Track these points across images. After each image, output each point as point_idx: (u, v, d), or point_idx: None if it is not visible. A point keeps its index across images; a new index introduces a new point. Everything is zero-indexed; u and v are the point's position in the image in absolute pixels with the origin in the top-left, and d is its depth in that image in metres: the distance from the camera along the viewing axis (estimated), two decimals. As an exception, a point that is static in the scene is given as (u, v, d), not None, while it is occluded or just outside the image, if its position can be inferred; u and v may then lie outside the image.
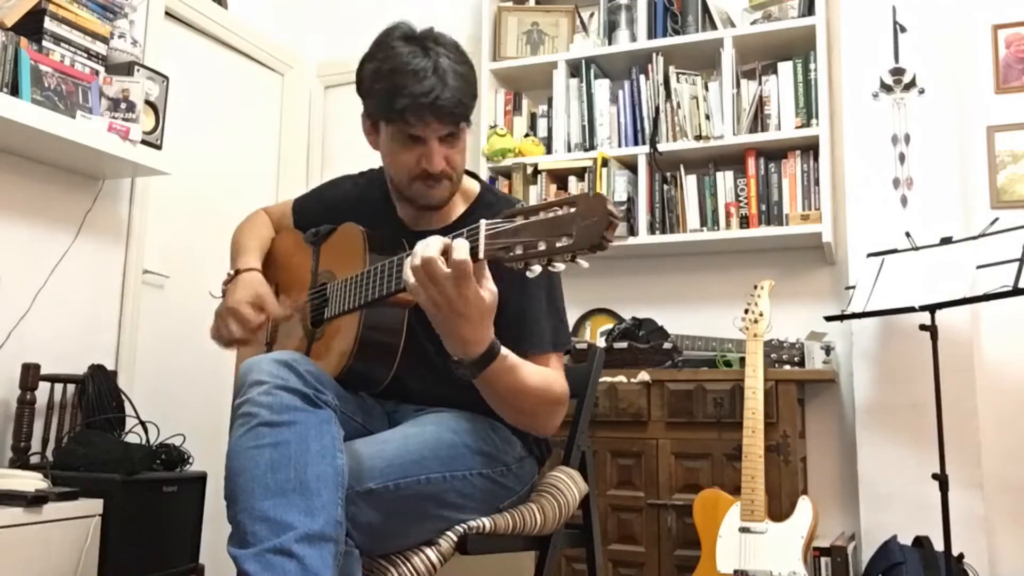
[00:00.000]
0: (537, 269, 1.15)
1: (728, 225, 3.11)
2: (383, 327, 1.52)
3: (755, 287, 2.75)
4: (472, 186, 1.69)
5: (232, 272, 1.72)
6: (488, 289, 1.25)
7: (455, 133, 1.52)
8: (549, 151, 3.39)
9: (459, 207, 1.66)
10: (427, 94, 1.46)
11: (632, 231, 3.18)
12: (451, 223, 1.63)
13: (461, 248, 1.19)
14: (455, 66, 1.50)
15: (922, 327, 2.49)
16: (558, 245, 1.11)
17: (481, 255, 1.19)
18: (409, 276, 1.24)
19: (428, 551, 1.42)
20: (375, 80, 1.52)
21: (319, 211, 1.80)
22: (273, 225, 1.90)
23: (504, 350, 1.36)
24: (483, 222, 1.19)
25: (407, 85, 1.47)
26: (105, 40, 2.68)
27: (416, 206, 1.61)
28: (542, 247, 1.12)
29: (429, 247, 1.22)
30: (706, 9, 3.26)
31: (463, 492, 1.47)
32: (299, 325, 1.68)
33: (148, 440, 2.51)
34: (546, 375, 1.50)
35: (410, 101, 1.47)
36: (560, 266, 1.13)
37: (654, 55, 3.26)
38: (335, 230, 1.69)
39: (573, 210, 1.11)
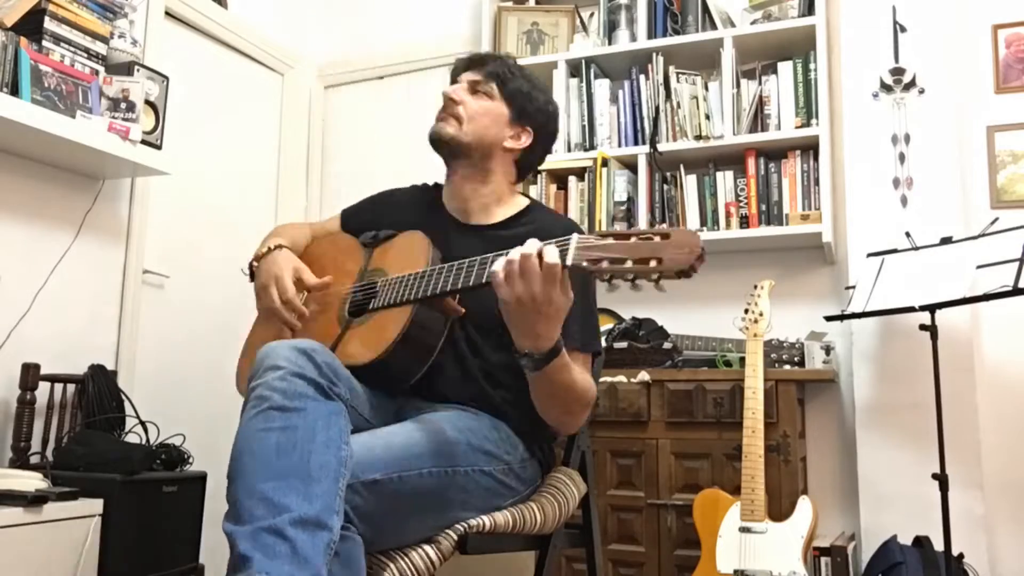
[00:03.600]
0: (619, 284, 1.22)
1: (728, 225, 3.11)
2: (428, 327, 1.57)
3: (755, 287, 2.75)
4: (519, 201, 1.82)
5: (265, 250, 1.77)
6: (567, 294, 1.32)
7: (484, 87, 1.77)
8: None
9: (503, 211, 1.78)
10: (480, 56, 1.86)
11: (632, 231, 3.18)
12: (495, 223, 1.76)
13: (552, 253, 1.28)
14: (518, 66, 1.84)
15: (922, 327, 2.49)
16: (647, 266, 1.17)
17: (569, 261, 1.25)
18: (499, 271, 1.32)
19: (428, 548, 1.42)
20: None
21: (369, 213, 1.89)
22: (314, 235, 1.95)
23: (564, 348, 1.43)
24: (575, 235, 1.27)
25: (469, 56, 1.88)
26: (105, 40, 2.68)
27: (437, 150, 1.79)
28: (628, 264, 1.18)
29: (527, 247, 1.30)
30: (706, 9, 3.26)
31: (464, 488, 1.48)
32: (332, 313, 1.70)
33: (148, 440, 2.51)
34: (586, 377, 1.56)
35: (466, 59, 1.86)
36: (644, 284, 1.20)
37: (654, 55, 3.26)
38: (396, 235, 1.74)
39: (665, 240, 1.18)
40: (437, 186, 1.91)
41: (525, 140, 1.80)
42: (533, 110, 1.81)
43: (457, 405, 1.62)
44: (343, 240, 1.86)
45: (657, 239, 1.18)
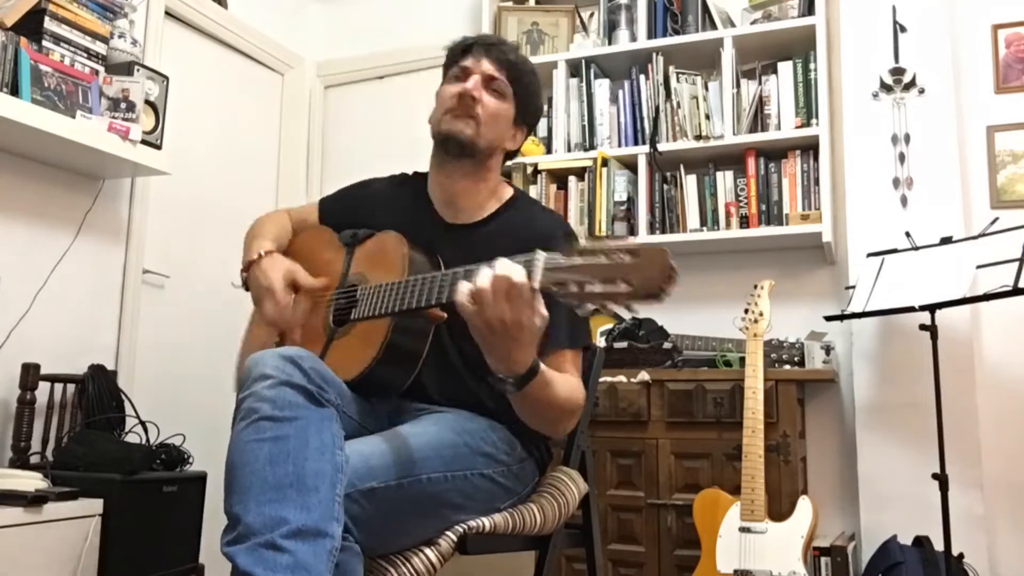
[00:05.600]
0: (589, 308, 1.16)
1: (728, 225, 3.11)
2: (411, 334, 1.54)
3: (755, 287, 2.75)
4: (506, 190, 1.77)
5: (254, 257, 1.70)
6: (540, 315, 1.27)
7: (500, 86, 1.69)
8: (549, 151, 3.39)
9: (491, 205, 1.73)
10: (486, 40, 1.75)
11: (632, 231, 3.18)
12: (483, 218, 1.71)
13: (520, 274, 1.22)
14: (523, 57, 1.77)
15: (922, 327, 2.49)
16: (616, 291, 1.12)
17: (536, 285, 1.20)
18: (464, 296, 1.26)
19: (428, 551, 1.42)
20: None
21: (348, 209, 1.82)
22: (293, 226, 1.89)
23: (542, 366, 1.39)
24: (541, 254, 1.21)
25: (475, 37, 1.77)
26: (105, 40, 2.68)
27: (443, 145, 1.69)
28: (597, 289, 1.13)
29: (494, 271, 1.24)
30: (706, 9, 3.26)
31: (464, 492, 1.47)
32: (318, 321, 1.67)
33: (148, 440, 2.51)
34: (571, 385, 1.53)
35: (472, 42, 1.75)
36: (616, 309, 1.15)
37: (654, 55, 3.26)
38: (373, 235, 1.69)
39: (634, 260, 1.12)
40: (418, 175, 1.85)
41: (520, 139, 1.79)
42: (533, 110, 1.79)
43: (452, 407, 1.61)
44: (324, 235, 1.81)
45: (627, 258, 1.12)
